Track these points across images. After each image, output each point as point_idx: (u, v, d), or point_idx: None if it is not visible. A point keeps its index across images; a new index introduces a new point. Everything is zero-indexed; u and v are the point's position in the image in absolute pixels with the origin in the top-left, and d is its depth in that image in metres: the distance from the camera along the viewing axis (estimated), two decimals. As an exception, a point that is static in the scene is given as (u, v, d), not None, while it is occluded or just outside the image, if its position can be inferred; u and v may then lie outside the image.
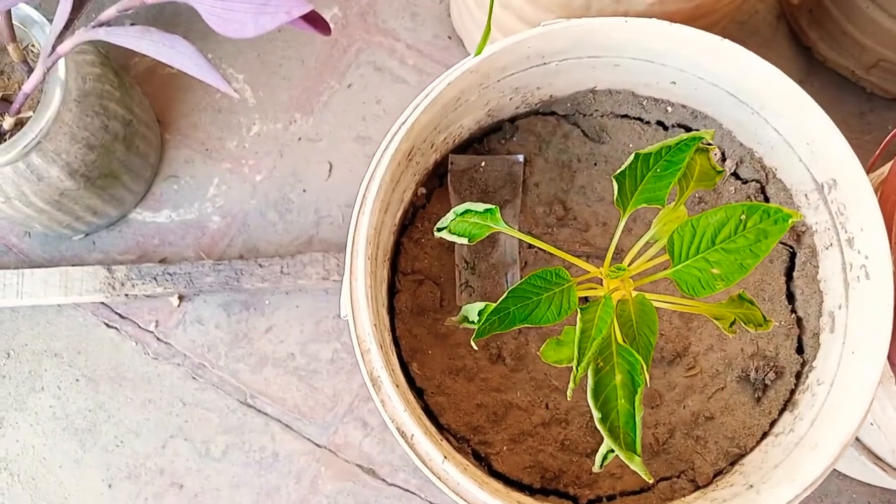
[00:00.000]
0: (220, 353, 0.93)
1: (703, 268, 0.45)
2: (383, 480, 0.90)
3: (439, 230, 0.56)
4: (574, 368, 0.44)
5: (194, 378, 0.93)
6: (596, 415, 0.45)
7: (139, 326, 0.95)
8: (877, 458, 0.74)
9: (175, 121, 1.01)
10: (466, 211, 0.55)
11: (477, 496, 0.53)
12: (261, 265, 0.91)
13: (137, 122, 0.93)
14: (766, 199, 0.68)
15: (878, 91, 0.97)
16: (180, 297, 0.94)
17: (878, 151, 0.72)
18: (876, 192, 0.64)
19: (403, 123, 0.58)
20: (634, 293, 0.48)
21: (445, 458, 0.53)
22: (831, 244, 0.61)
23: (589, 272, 0.51)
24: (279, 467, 0.91)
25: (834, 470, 0.89)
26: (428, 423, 0.61)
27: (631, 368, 0.45)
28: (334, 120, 1.00)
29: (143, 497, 0.91)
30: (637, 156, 0.47)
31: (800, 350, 0.64)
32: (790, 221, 0.43)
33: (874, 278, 0.56)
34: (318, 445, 0.91)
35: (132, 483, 0.91)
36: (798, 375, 0.63)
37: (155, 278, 0.92)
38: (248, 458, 0.91)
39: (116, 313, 0.95)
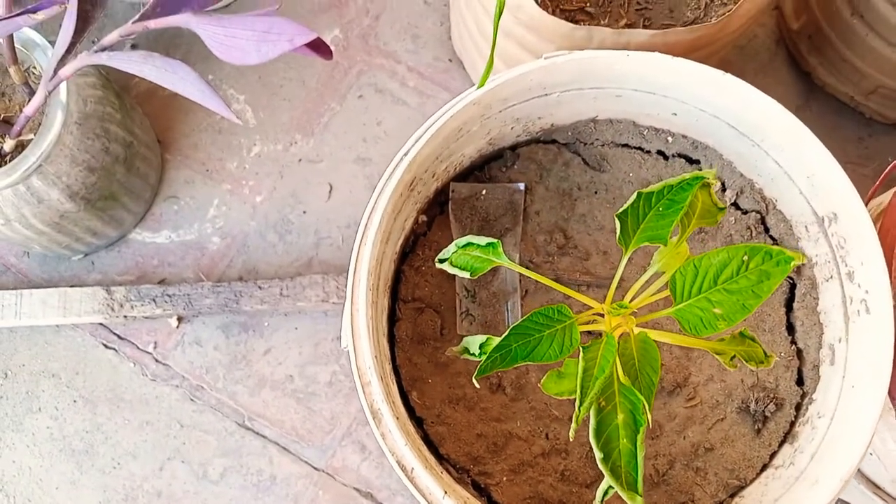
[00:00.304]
0: (219, 375, 0.93)
1: (705, 307, 0.45)
2: (383, 506, 0.90)
3: (441, 261, 0.57)
4: (577, 408, 0.44)
5: (192, 400, 0.93)
6: (598, 455, 0.45)
7: (137, 347, 0.95)
8: (876, 488, 0.74)
9: (175, 141, 1.01)
10: (468, 244, 0.55)
11: (478, 531, 0.53)
12: (260, 287, 0.91)
13: (138, 143, 0.93)
14: (767, 230, 0.68)
15: (876, 116, 0.97)
16: (179, 319, 0.94)
17: (878, 181, 0.72)
18: (876, 221, 0.65)
19: (406, 155, 0.58)
20: (637, 330, 0.48)
21: (446, 493, 0.53)
22: (831, 276, 0.62)
23: (592, 307, 0.51)
24: (277, 490, 0.90)
25: (833, 496, 0.89)
26: (428, 454, 0.60)
27: (633, 408, 0.45)
28: (335, 141, 1.00)
29: (140, 520, 0.90)
30: (639, 195, 0.47)
31: (800, 382, 0.64)
32: (792, 264, 0.43)
33: (874, 313, 0.56)
34: (315, 468, 0.91)
35: (129, 505, 0.91)
36: (798, 407, 0.63)
37: (154, 300, 0.92)
38: (245, 481, 0.91)
39: (115, 334, 0.95)
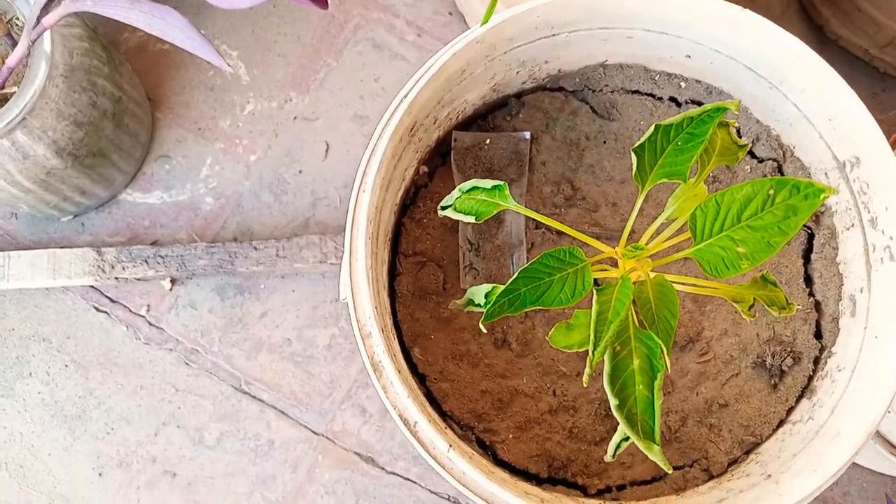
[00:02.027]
0: (214, 339, 0.91)
1: (727, 246, 0.42)
2: (382, 469, 0.88)
3: (443, 208, 0.54)
4: (590, 353, 0.42)
5: (187, 364, 0.90)
6: (613, 401, 0.42)
7: (130, 311, 0.92)
8: (892, 447, 0.72)
9: (166, 99, 0.97)
10: (473, 188, 0.52)
11: (484, 486, 0.50)
12: (255, 248, 0.88)
13: (127, 99, 0.89)
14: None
15: (891, 71, 0.94)
16: (172, 281, 0.91)
17: (893, 138, 0.69)
18: None
19: (406, 97, 0.55)
20: (653, 274, 0.46)
21: (451, 446, 0.50)
22: (852, 225, 0.59)
23: (602, 252, 0.48)
24: (275, 455, 0.88)
25: (844, 458, 0.88)
26: (431, 410, 0.58)
27: (650, 353, 0.42)
28: (331, 98, 0.97)
29: (135, 486, 0.88)
30: (657, 127, 0.44)
31: (818, 335, 0.62)
32: (822, 197, 0.40)
33: (899, 260, 0.54)
34: (315, 433, 0.89)
35: (123, 471, 0.88)
36: (816, 361, 0.61)
37: (146, 261, 0.89)
38: (242, 446, 0.88)
39: (107, 297, 0.92)
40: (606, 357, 0.43)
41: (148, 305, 0.92)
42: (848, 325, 0.58)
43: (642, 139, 0.44)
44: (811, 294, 0.63)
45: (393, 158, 0.57)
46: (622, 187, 0.67)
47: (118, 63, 0.90)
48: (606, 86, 0.68)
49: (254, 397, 0.89)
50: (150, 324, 0.91)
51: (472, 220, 0.50)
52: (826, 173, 0.61)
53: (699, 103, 0.67)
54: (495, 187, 0.50)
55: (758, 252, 0.42)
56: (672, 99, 0.67)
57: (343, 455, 0.88)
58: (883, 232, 0.56)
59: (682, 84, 0.66)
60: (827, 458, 0.51)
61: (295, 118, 0.96)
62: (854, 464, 0.87)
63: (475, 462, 0.53)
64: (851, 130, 0.56)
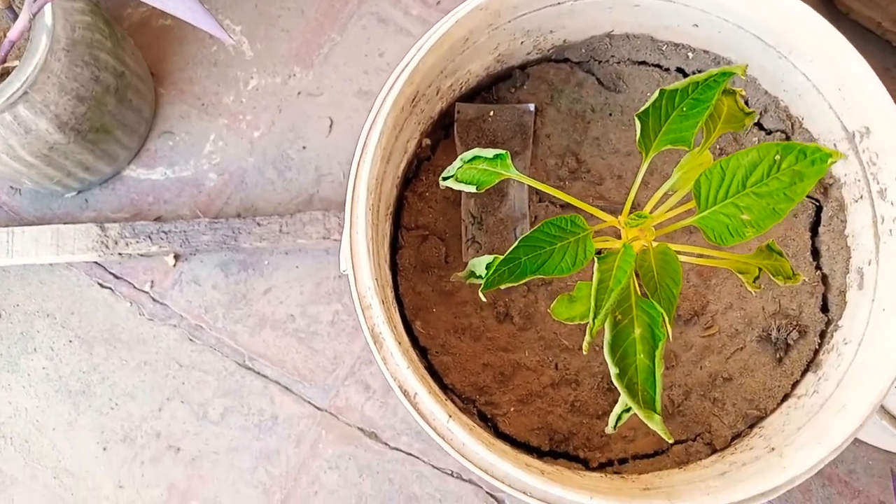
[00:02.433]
0: (218, 315, 0.90)
1: (731, 213, 0.42)
2: (385, 444, 0.88)
3: (444, 179, 0.53)
4: (591, 321, 0.41)
5: (191, 340, 0.90)
6: (613, 370, 0.42)
7: (134, 287, 0.92)
8: (898, 423, 0.72)
9: (170, 74, 0.97)
10: (475, 157, 0.51)
11: (483, 457, 0.50)
12: (259, 224, 0.88)
13: (130, 74, 0.89)
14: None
15: (904, 44, 0.92)
16: (176, 257, 0.91)
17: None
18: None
19: (407, 65, 0.55)
20: (655, 243, 0.45)
21: (451, 417, 0.50)
22: (861, 197, 0.58)
23: (605, 221, 0.47)
24: (279, 430, 0.88)
25: (850, 436, 0.87)
26: (432, 382, 0.58)
27: (651, 322, 0.42)
28: (335, 74, 0.96)
29: (139, 461, 0.89)
30: (662, 92, 0.43)
31: (824, 308, 0.61)
32: (829, 162, 0.39)
33: (908, 231, 0.53)
34: (318, 408, 0.89)
35: (127, 446, 0.89)
36: (822, 335, 0.60)
37: (149, 236, 0.89)
38: (246, 422, 0.88)
39: (111, 273, 0.92)
40: (607, 326, 0.42)
41: (152, 281, 0.92)
42: (855, 299, 0.58)
43: (646, 104, 0.44)
44: (818, 267, 0.62)
45: (394, 129, 0.57)
46: (628, 160, 0.66)
47: (121, 38, 0.89)
48: (612, 56, 0.67)
49: (257, 373, 0.89)
50: (153, 300, 0.91)
51: (473, 189, 0.50)
52: (835, 144, 0.60)
53: (706, 74, 0.66)
54: (497, 156, 0.50)
55: (763, 219, 0.41)
56: (679, 70, 0.66)
57: (346, 430, 0.88)
58: (892, 203, 0.55)
59: (690, 54, 0.65)
60: (831, 430, 0.50)
61: (299, 94, 0.95)
62: (859, 441, 0.87)
63: (475, 434, 0.52)
64: (861, 100, 0.55)
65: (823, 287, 0.61)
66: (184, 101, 0.96)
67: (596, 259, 0.43)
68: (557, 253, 0.45)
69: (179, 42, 0.97)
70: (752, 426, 0.59)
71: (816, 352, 0.60)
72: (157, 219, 0.93)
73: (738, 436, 0.59)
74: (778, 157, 0.40)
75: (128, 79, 0.88)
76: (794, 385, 0.60)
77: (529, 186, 0.50)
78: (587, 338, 0.41)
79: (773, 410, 0.59)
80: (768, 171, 0.41)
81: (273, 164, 0.94)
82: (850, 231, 0.60)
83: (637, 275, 0.45)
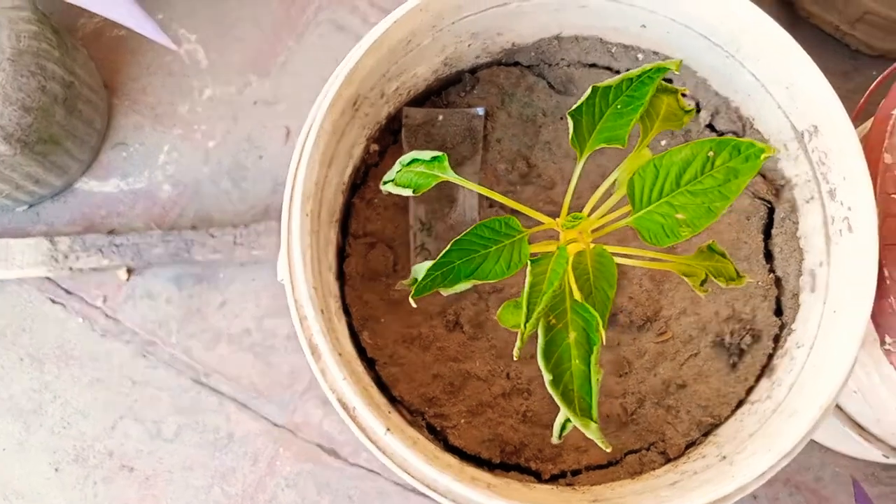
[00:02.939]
0: (172, 330, 0.88)
1: (666, 213, 0.40)
2: (345, 461, 0.85)
3: (385, 183, 0.52)
4: (522, 326, 0.40)
5: (144, 356, 0.88)
6: (547, 377, 0.40)
7: (86, 302, 0.90)
8: (861, 429, 0.71)
9: (124, 85, 0.95)
10: (413, 160, 0.50)
11: (424, 471, 0.48)
12: (213, 235, 0.86)
13: (80, 84, 0.87)
14: (743, 153, 0.63)
15: (862, 48, 0.92)
16: (129, 271, 0.89)
17: (860, 102, 0.67)
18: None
19: (345, 67, 0.53)
20: (593, 245, 0.44)
21: (389, 430, 0.48)
22: (812, 197, 0.57)
23: (543, 223, 0.46)
24: (235, 448, 0.86)
25: (816, 443, 0.86)
26: (378, 394, 0.56)
27: (586, 326, 0.40)
28: (292, 82, 0.94)
29: (92, 481, 0.86)
30: (595, 89, 0.42)
31: (778, 312, 0.60)
32: (763, 157, 0.38)
33: (857, 231, 0.52)
34: (275, 425, 0.86)
35: (80, 466, 0.86)
36: (776, 339, 0.59)
37: (101, 250, 0.87)
38: (201, 439, 0.86)
39: (62, 289, 0.90)
40: (540, 331, 0.41)
41: (104, 296, 0.90)
42: (808, 301, 0.57)
43: (579, 102, 0.42)
44: (772, 270, 0.61)
45: (334, 134, 0.55)
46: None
47: (71, 47, 0.87)
48: (563, 59, 0.66)
49: (213, 389, 0.87)
50: (106, 315, 0.89)
51: (410, 193, 0.48)
52: (785, 144, 0.59)
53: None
54: (434, 158, 0.48)
55: (698, 218, 0.40)
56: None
57: (304, 447, 0.86)
58: (841, 203, 0.54)
59: (640, 56, 0.64)
60: (782, 437, 0.49)
61: (255, 102, 0.94)
62: (827, 448, 0.86)
63: (419, 447, 0.51)
64: (809, 98, 0.55)
65: (777, 290, 0.60)
66: (138, 111, 0.94)
67: (529, 262, 0.42)
68: (492, 256, 0.43)
69: (133, 52, 0.95)
70: (706, 434, 0.58)
71: (771, 356, 0.58)
72: (111, 232, 0.90)
73: (692, 444, 0.58)
74: (711, 153, 0.39)
75: (77, 89, 0.86)
76: (749, 391, 0.58)
77: (480, 192, 0.49)
78: (518, 343, 0.39)
79: (727, 417, 0.58)
80: (702, 168, 0.39)
81: (228, 174, 0.92)
82: (802, 233, 0.59)
83: (575, 277, 0.43)
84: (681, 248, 0.61)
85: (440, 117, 0.65)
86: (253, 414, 0.87)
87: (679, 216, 0.40)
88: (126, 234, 0.87)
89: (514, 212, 0.53)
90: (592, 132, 0.43)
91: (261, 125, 0.93)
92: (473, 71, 0.67)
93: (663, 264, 0.46)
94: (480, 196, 0.64)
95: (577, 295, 0.42)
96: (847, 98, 0.92)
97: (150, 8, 0.95)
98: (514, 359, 0.39)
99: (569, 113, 0.43)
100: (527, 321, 0.40)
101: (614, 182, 0.46)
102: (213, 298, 0.89)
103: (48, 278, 0.90)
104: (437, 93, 0.67)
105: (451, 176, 0.48)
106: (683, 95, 0.64)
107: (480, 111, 0.65)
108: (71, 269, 0.87)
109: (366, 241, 0.63)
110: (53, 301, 0.90)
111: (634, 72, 0.42)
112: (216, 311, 0.88)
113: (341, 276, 0.62)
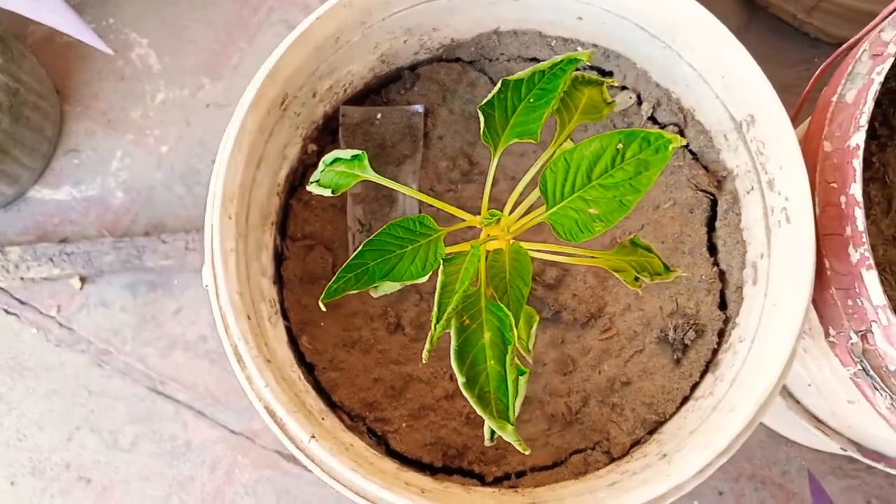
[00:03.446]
0: (127, 338, 0.87)
1: (579, 208, 0.39)
2: (304, 467, 0.84)
3: (311, 184, 0.50)
4: (433, 327, 0.38)
5: (100, 365, 0.87)
6: (461, 379, 0.39)
7: (40, 312, 0.88)
8: (818, 422, 0.69)
9: (75, 91, 0.94)
10: (335, 160, 0.48)
11: (351, 480, 0.47)
12: (164, 241, 0.85)
13: (26, 90, 0.85)
14: (686, 144, 0.62)
15: (821, 36, 0.91)
16: (82, 280, 0.88)
17: (805, 91, 0.66)
18: (803, 140, 0.59)
19: (267, 65, 0.52)
20: (511, 242, 0.43)
21: (314, 436, 0.47)
22: (752, 188, 0.56)
23: (464, 220, 0.45)
24: (192, 457, 0.85)
25: (782, 437, 0.85)
26: (315, 400, 0.55)
27: (501, 325, 0.39)
28: (245, 84, 0.92)
29: (49, 494, 0.85)
30: (506, 84, 0.41)
31: (722, 306, 0.59)
32: (671, 148, 0.37)
33: (795, 221, 0.51)
34: (233, 432, 0.85)
35: (36, 479, 0.85)
36: (721, 333, 0.58)
37: (51, 259, 0.85)
38: (158, 448, 0.85)
39: (15, 299, 0.89)
40: (453, 332, 0.40)
41: (58, 306, 0.88)
42: (751, 294, 0.55)
43: (489, 96, 0.41)
44: (716, 263, 0.60)
45: (261, 133, 0.54)
46: (522, 161, 0.64)
47: (17, 54, 0.86)
48: (503, 54, 0.64)
49: (169, 397, 0.86)
50: (60, 325, 0.88)
51: (328, 193, 0.47)
52: (725, 135, 0.58)
53: (599, 69, 0.64)
54: (354, 157, 0.47)
55: (611, 212, 0.39)
56: (571, 65, 0.64)
57: (263, 454, 0.85)
58: (779, 193, 0.53)
59: (579, 49, 0.63)
60: (719, 433, 0.48)
61: (208, 106, 0.93)
62: (793, 442, 0.85)
63: (351, 453, 0.49)
64: (743, 88, 0.53)
65: (721, 284, 0.59)
66: (89, 117, 0.92)
67: (442, 262, 0.40)
68: (407, 257, 0.42)
69: (84, 58, 0.94)
70: (651, 432, 0.57)
71: (715, 351, 0.57)
72: (63, 240, 0.89)
73: (637, 443, 0.57)
74: (621, 145, 0.38)
75: (23, 96, 0.84)
76: (694, 387, 0.57)
77: (402, 191, 0.48)
78: (427, 346, 0.38)
79: (672, 415, 0.57)
80: (612, 161, 0.38)
81: (181, 179, 0.91)
82: (745, 224, 0.57)
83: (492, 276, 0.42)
84: (619, 236, 0.60)
85: (379, 116, 0.64)
86: (210, 421, 0.85)
87: (592, 211, 0.39)
88: (77, 242, 0.86)
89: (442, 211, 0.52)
90: (506, 127, 0.42)
91: (214, 128, 0.92)
92: (413, 68, 0.66)
93: (584, 260, 0.45)
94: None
95: (490, 293, 0.40)
96: (809, 87, 0.91)
97: (99, 12, 0.94)
98: (423, 361, 0.38)
99: (479, 108, 0.41)
100: (437, 322, 0.38)
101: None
102: (167, 305, 0.87)
103: (1, 288, 0.89)
104: (377, 91, 0.66)
105: (370, 175, 0.46)
106: (623, 88, 0.63)
107: (420, 108, 0.64)
108: (22, 278, 0.85)
109: (304, 243, 0.62)
110: (7, 311, 0.88)
111: (545, 64, 0.41)
112: (171, 318, 0.87)
113: (280, 280, 0.61)
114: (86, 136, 0.92)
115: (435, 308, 0.39)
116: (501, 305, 0.39)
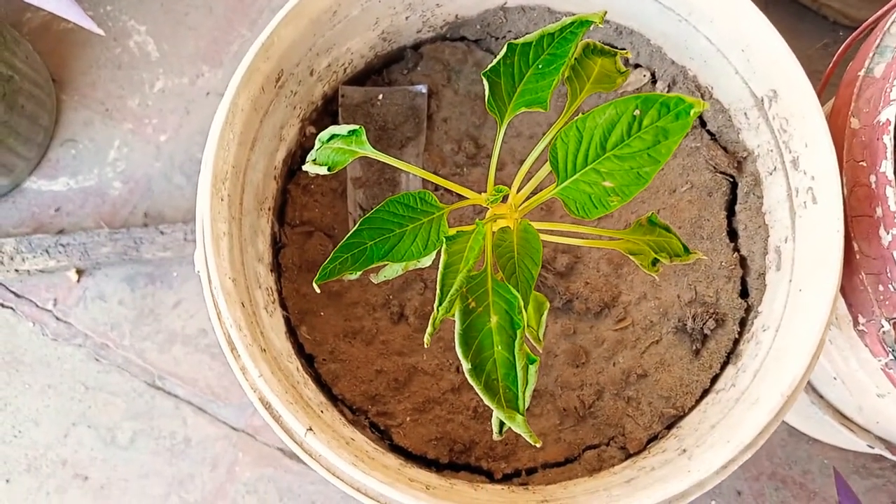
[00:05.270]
0: (125, 332, 0.85)
1: (593, 181, 0.36)
2: (306, 465, 0.81)
3: (305, 163, 0.48)
4: (435, 310, 0.36)
5: (97, 360, 0.84)
6: (466, 366, 0.36)
7: (36, 305, 0.86)
8: (843, 418, 0.66)
9: (72, 80, 0.91)
10: (332, 136, 0.46)
11: (352, 476, 0.44)
12: (162, 232, 0.82)
13: (21, 78, 0.83)
14: (703, 124, 0.59)
15: (840, 19, 0.88)
16: (79, 272, 0.85)
17: (828, 69, 0.63)
18: (829, 118, 0.56)
19: (260, 39, 0.49)
20: (519, 221, 0.40)
21: (310, 429, 0.44)
22: (775, 168, 0.53)
23: (468, 198, 0.42)
24: (192, 454, 0.82)
25: (804, 435, 0.81)
26: (314, 392, 0.52)
27: (508, 308, 0.36)
28: (246, 72, 0.90)
29: (45, 491, 0.82)
30: (512, 48, 0.38)
31: (744, 294, 0.56)
32: (693, 113, 0.34)
33: (822, 201, 0.48)
34: (234, 429, 0.82)
35: (32, 476, 0.82)
36: (742, 323, 0.54)
37: (47, 250, 0.83)
38: (157, 446, 0.82)
39: (11, 292, 0.86)
40: (458, 315, 0.37)
41: (55, 299, 0.86)
42: (774, 281, 0.52)
43: (495, 61, 0.38)
44: (736, 249, 0.56)
45: (255, 111, 0.51)
46: (530, 143, 0.61)
47: (11, 41, 0.84)
48: (510, 31, 0.62)
49: (168, 393, 0.83)
50: (57, 318, 0.85)
51: (325, 171, 0.44)
52: (746, 113, 0.55)
53: (610, 45, 0.61)
54: (352, 132, 0.44)
55: (627, 185, 0.36)
56: (581, 43, 0.61)
57: (265, 451, 0.82)
58: (805, 172, 0.49)
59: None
60: (742, 427, 0.45)
61: (208, 94, 0.90)
62: (814, 440, 0.81)
63: (352, 447, 0.47)
64: (766, 60, 0.50)
65: (742, 270, 0.56)
66: (87, 106, 0.90)
67: (445, 240, 0.38)
68: (408, 236, 0.39)
69: (82, 45, 0.92)
70: (669, 426, 0.54)
71: (737, 342, 0.54)
72: (60, 232, 0.87)
73: (654, 438, 0.53)
74: (637, 112, 0.35)
75: (18, 83, 0.82)
76: (714, 379, 0.54)
77: (406, 169, 0.45)
78: (429, 329, 0.35)
79: (691, 408, 0.54)
80: (628, 129, 0.35)
81: (181, 168, 0.88)
82: (767, 207, 0.54)
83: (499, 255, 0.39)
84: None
85: (380, 96, 0.61)
86: (210, 418, 0.83)
87: (606, 184, 0.36)
88: (73, 233, 0.83)
89: (448, 191, 0.49)
90: (513, 95, 0.39)
91: (214, 117, 0.89)
92: (416, 47, 0.63)
93: (598, 242, 0.42)
94: (424, 178, 0.60)
95: (498, 274, 0.38)
96: (829, 71, 0.88)
97: (96, 0, 0.91)
98: (426, 346, 0.35)
99: (483, 74, 0.39)
100: (440, 304, 0.35)
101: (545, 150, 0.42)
102: (166, 298, 0.85)
103: (-3, 282, 0.86)
104: (379, 71, 0.63)
105: (368, 150, 0.44)
106: (637, 66, 0.60)
107: (423, 89, 0.61)
108: (17, 271, 0.83)
109: (303, 229, 0.59)
110: (2, 305, 0.86)
111: (554, 26, 0.38)
112: (170, 312, 0.85)
113: (278, 268, 0.58)
114: (83, 125, 0.90)
115: (437, 289, 0.36)
116: (509, 287, 0.36)
